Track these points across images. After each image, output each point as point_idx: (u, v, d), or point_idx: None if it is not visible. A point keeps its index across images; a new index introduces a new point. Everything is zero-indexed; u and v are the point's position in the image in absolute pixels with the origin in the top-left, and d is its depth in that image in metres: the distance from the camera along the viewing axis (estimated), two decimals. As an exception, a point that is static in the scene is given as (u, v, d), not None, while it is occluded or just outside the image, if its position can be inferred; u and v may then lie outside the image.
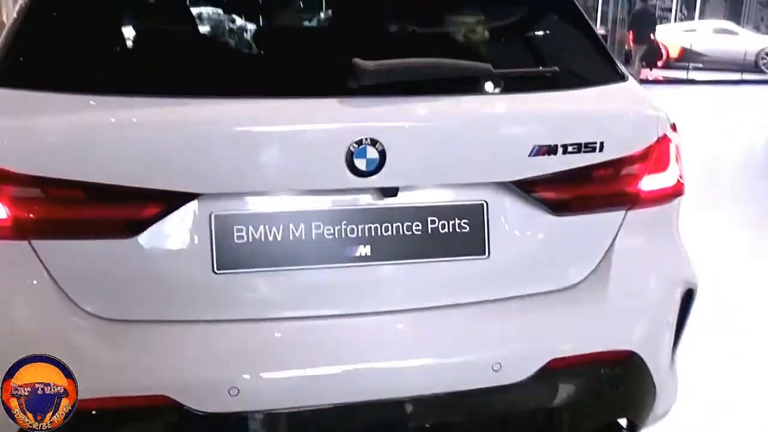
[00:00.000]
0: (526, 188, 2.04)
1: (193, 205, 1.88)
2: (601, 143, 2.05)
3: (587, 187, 2.10)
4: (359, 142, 1.85)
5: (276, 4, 2.37)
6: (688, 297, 2.27)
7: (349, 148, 1.85)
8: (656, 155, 2.16)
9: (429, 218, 1.99)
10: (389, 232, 1.97)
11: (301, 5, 2.29)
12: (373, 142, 1.86)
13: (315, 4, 2.30)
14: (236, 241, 1.90)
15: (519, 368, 2.01)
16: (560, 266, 2.13)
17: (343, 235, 1.95)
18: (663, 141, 2.18)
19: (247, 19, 2.32)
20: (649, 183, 2.17)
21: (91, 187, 1.80)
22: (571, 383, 2.11)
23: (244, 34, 2.24)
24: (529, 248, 2.09)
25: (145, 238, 1.86)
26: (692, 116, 13.06)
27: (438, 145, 1.95)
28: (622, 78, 2.27)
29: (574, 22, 2.34)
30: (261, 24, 2.33)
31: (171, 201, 1.85)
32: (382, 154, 1.87)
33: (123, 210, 1.84)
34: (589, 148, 2.04)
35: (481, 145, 1.99)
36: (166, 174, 1.83)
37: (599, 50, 2.30)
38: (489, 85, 2.07)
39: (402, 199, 1.97)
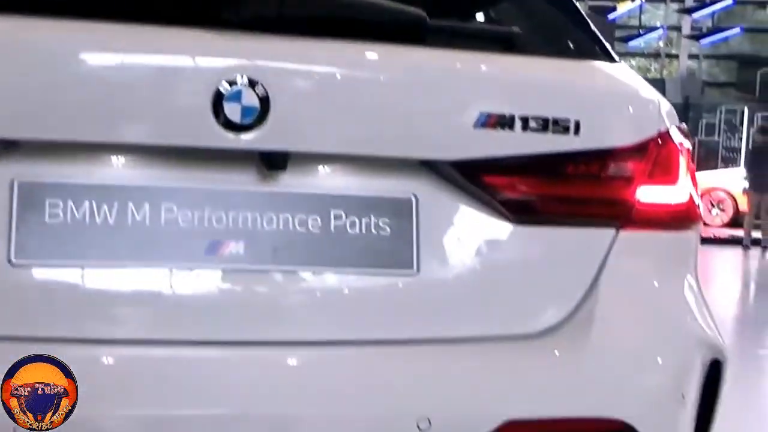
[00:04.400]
0: (472, 179, 1.56)
1: None
2: (576, 123, 1.58)
3: (558, 186, 1.64)
4: (232, 82, 1.40)
5: None
6: (714, 371, 1.74)
7: (217, 89, 1.39)
8: (657, 157, 1.69)
9: (333, 211, 1.49)
10: (273, 226, 1.46)
11: None
12: (252, 84, 1.40)
13: None
14: (48, 219, 1.39)
15: (458, 428, 1.51)
16: (524, 301, 1.62)
17: (205, 224, 1.43)
18: (667, 140, 1.71)
19: None
20: (649, 195, 1.67)
21: None
22: None
23: None
24: (478, 269, 1.58)
25: None
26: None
27: (344, 98, 1.49)
28: (610, 58, 1.80)
29: None
30: None
31: None
32: (265, 101, 1.41)
33: None
34: (559, 127, 1.58)
35: (405, 103, 1.53)
36: None
37: (581, 23, 1.86)
38: (423, 36, 1.60)
39: (293, 181, 1.48)
